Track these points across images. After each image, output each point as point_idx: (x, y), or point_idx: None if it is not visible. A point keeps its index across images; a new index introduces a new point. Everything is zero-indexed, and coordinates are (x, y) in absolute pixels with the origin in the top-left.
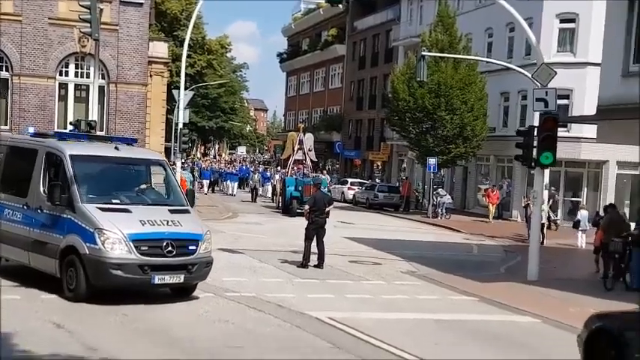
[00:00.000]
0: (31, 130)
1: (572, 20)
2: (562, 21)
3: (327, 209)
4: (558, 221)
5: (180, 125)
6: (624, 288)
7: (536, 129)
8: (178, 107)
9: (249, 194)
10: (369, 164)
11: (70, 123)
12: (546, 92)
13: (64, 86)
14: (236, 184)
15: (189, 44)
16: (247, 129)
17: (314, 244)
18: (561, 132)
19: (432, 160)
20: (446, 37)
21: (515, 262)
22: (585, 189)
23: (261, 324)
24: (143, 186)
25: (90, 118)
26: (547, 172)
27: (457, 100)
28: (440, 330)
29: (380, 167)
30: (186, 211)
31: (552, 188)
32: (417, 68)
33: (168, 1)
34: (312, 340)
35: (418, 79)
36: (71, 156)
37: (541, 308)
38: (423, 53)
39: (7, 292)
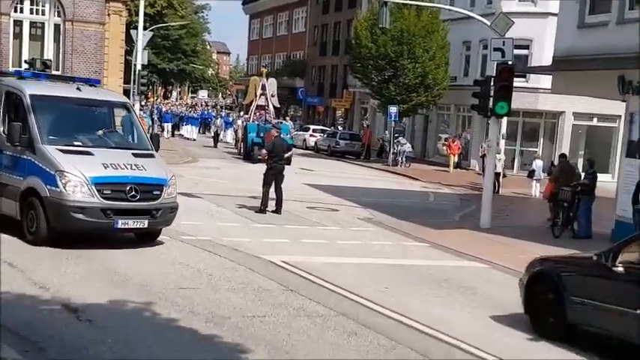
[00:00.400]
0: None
1: None
2: None
3: (285, 155)
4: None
5: (139, 67)
6: (572, 236)
7: (492, 79)
8: (137, 48)
9: (211, 139)
10: (332, 111)
11: (25, 61)
12: (503, 42)
13: (18, 23)
14: (197, 128)
15: None
16: (209, 72)
17: (272, 189)
18: (519, 82)
19: (392, 109)
20: None
21: (470, 210)
22: (542, 139)
23: (214, 267)
24: (106, 129)
25: (45, 57)
26: (504, 122)
27: (419, 48)
28: (391, 274)
29: (342, 115)
30: (151, 156)
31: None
32: (380, 14)
33: None
34: (263, 282)
35: (380, 25)
36: (31, 95)
37: (490, 254)
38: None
39: None
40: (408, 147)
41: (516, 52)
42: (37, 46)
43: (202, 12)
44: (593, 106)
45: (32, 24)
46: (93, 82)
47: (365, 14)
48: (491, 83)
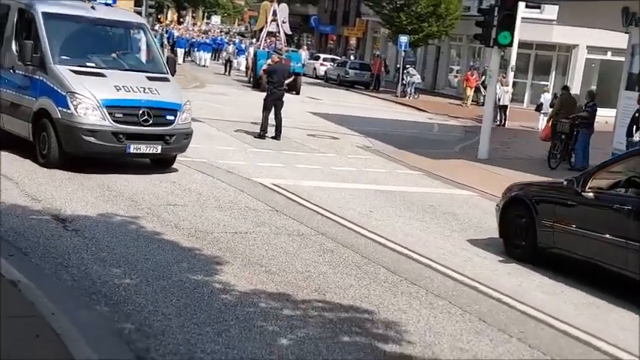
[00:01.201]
0: None
1: None
2: None
3: (286, 81)
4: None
5: None
6: (568, 168)
7: (497, 8)
8: None
9: (223, 66)
10: (345, 40)
11: None
12: None
13: None
14: (209, 54)
15: None
16: None
17: (272, 115)
18: (533, 13)
19: (403, 38)
20: None
21: (472, 141)
22: (554, 73)
23: (205, 187)
24: (121, 50)
25: None
26: (514, 54)
27: None
28: (378, 199)
29: (355, 44)
30: (166, 79)
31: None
32: None
33: None
34: (250, 202)
35: None
36: (44, 13)
37: (481, 184)
38: None
39: None
40: (417, 78)
41: None
42: None
43: None
44: (608, 39)
45: None
46: (108, 2)
47: None
48: (496, 13)
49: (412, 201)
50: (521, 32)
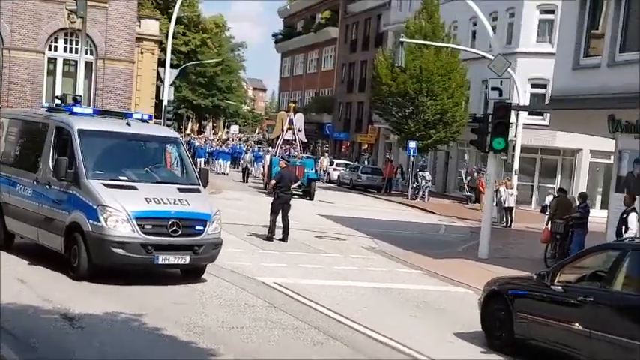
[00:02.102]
0: (46, 104)
1: (552, 12)
2: (542, 12)
3: (292, 186)
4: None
5: (165, 102)
6: None
7: (490, 116)
8: (164, 85)
9: (241, 174)
10: (358, 146)
11: (56, 97)
12: (501, 82)
13: (52, 61)
14: (228, 162)
15: (184, 22)
16: (244, 108)
17: (280, 218)
18: (537, 120)
19: (412, 144)
20: (429, 24)
21: (476, 242)
22: (559, 176)
23: (209, 286)
24: (155, 164)
25: (76, 93)
26: (517, 158)
27: (438, 86)
28: (375, 296)
29: (367, 149)
30: (197, 191)
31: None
32: (396, 54)
33: None
34: (250, 299)
35: (397, 64)
36: (79, 130)
37: (478, 281)
38: (402, 40)
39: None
40: (429, 181)
41: (533, 90)
42: (70, 83)
43: (238, 50)
44: (611, 144)
45: (65, 61)
46: (145, 119)
47: (385, 53)
48: (489, 120)
49: (407, 298)
50: (527, 138)
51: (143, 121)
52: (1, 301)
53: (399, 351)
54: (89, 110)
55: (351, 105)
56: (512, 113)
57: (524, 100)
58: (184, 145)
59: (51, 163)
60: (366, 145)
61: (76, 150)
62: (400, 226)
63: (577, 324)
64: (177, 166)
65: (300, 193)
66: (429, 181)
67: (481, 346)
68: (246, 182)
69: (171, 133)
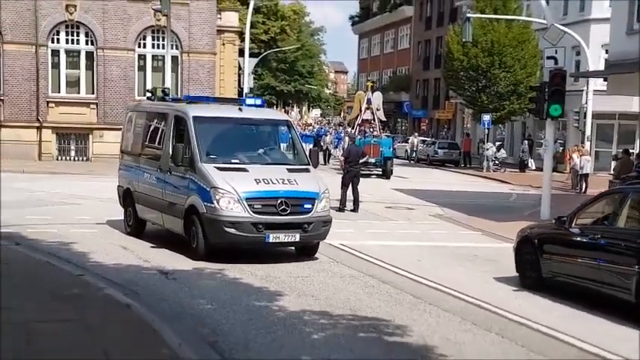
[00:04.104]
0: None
1: None
2: None
3: (360, 160)
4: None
5: (246, 90)
6: None
7: (546, 84)
8: (243, 73)
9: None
10: (436, 123)
11: (147, 90)
12: (556, 51)
13: (142, 57)
14: (311, 145)
15: (263, 12)
16: (326, 92)
17: (350, 191)
18: None
19: (486, 117)
20: None
21: None
22: (638, 140)
23: (283, 248)
24: (266, 146)
25: (164, 86)
26: (589, 124)
27: (510, 57)
28: (430, 252)
29: (445, 125)
30: (306, 170)
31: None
32: (463, 29)
33: None
34: (317, 255)
35: (464, 40)
36: (194, 117)
37: None
38: (468, 15)
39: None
40: (502, 153)
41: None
42: (159, 77)
43: (318, 34)
44: None
45: (154, 57)
46: (258, 103)
47: (456, 29)
48: (546, 89)
49: (460, 253)
50: (603, 104)
51: (255, 106)
52: (108, 263)
53: (439, 290)
54: (205, 98)
55: (428, 82)
56: (583, 80)
57: (599, 66)
58: (295, 128)
59: (170, 150)
60: (444, 121)
61: (191, 136)
62: (470, 196)
63: (589, 259)
64: (288, 148)
65: (379, 172)
66: (495, 152)
67: (515, 287)
68: (327, 163)
69: (282, 116)
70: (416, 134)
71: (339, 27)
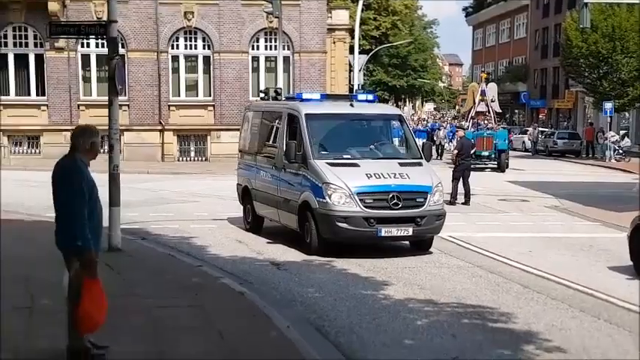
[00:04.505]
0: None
1: None
2: None
3: (472, 152)
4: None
5: (356, 87)
6: None
7: None
8: (353, 70)
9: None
10: (555, 112)
11: (260, 91)
12: None
13: (256, 59)
14: (424, 140)
15: (374, 8)
16: (440, 85)
17: (461, 184)
18: None
19: (607, 105)
20: None
21: None
22: None
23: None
24: (379, 141)
25: (277, 86)
26: None
27: (633, 42)
28: (543, 243)
29: (566, 115)
30: (418, 164)
31: None
32: (581, 15)
33: None
34: None
35: (581, 26)
36: (306, 115)
37: None
38: (586, 1)
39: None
40: (627, 141)
41: None
42: (272, 77)
43: (431, 27)
44: None
45: (267, 58)
46: (370, 98)
47: (574, 15)
48: None
49: (574, 243)
50: None
51: (367, 101)
52: (224, 256)
53: (548, 280)
54: (317, 96)
55: (546, 71)
56: None
57: None
58: (407, 122)
59: (284, 148)
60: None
61: (303, 133)
62: (590, 187)
63: None
64: (400, 142)
65: (495, 166)
66: (617, 141)
67: (629, 275)
68: (441, 158)
69: (394, 110)
70: (535, 125)
71: (453, 19)
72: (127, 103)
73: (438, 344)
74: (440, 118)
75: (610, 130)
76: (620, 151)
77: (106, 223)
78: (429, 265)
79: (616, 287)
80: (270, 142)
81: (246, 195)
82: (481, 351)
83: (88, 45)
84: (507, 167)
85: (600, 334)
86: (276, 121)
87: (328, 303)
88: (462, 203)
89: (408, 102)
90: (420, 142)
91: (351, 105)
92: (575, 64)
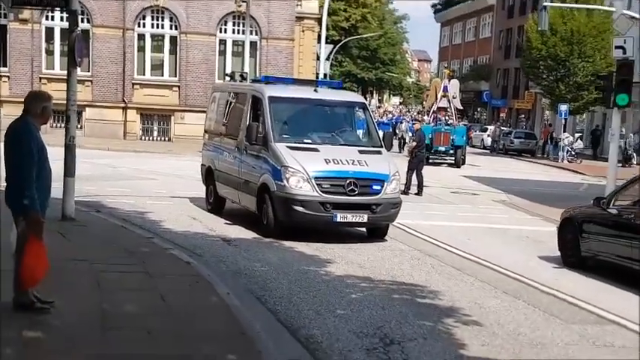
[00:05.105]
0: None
1: None
2: None
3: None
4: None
5: (321, 76)
6: None
7: (614, 74)
8: (319, 59)
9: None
10: (515, 112)
11: (226, 74)
12: (624, 40)
13: (223, 42)
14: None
15: None
16: (408, 80)
17: (415, 175)
18: None
19: (562, 107)
20: None
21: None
22: None
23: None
24: (340, 127)
25: (243, 70)
26: None
27: (590, 47)
28: (483, 233)
29: (524, 115)
30: (377, 152)
31: None
32: (539, 18)
33: None
34: None
35: (540, 28)
36: (270, 97)
37: None
38: (545, 4)
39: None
40: (579, 143)
41: None
42: (238, 61)
43: (401, 22)
44: None
45: (234, 42)
46: (336, 85)
47: (535, 17)
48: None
49: (512, 234)
50: None
51: (332, 87)
52: (177, 230)
53: (480, 264)
54: (282, 80)
55: (508, 71)
56: None
57: None
58: (370, 110)
59: (246, 130)
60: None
61: (265, 115)
62: (540, 184)
63: (624, 238)
64: (362, 130)
65: (452, 161)
66: (571, 143)
67: (556, 264)
68: (402, 151)
69: (357, 98)
70: (498, 123)
71: (424, 16)
72: (91, 79)
73: (367, 315)
74: (406, 112)
75: (565, 131)
76: (573, 153)
77: (60, 193)
78: (373, 247)
79: (541, 274)
80: (234, 124)
81: (209, 176)
82: (406, 322)
83: (53, 18)
84: (464, 163)
85: (517, 312)
86: (241, 103)
87: (271, 276)
88: (415, 194)
89: (375, 94)
90: (381, 132)
91: (315, 90)
92: (534, 65)
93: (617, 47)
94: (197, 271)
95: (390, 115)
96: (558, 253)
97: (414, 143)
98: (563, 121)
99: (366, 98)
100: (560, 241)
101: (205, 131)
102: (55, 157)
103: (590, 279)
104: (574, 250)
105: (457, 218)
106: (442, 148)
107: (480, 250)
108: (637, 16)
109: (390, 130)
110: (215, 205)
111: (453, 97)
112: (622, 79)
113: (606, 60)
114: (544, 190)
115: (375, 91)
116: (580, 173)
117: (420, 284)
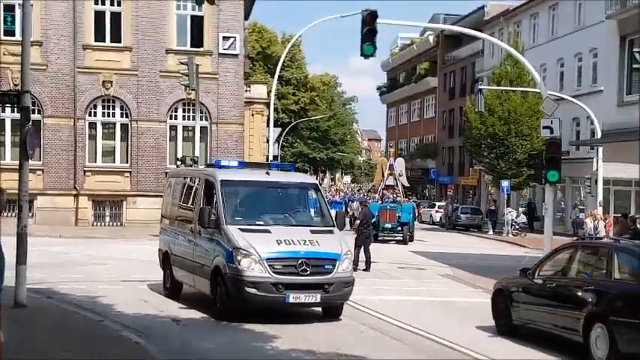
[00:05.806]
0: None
1: None
2: None
3: (371, 222)
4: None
5: (271, 158)
6: None
7: (544, 152)
8: (269, 142)
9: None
10: (462, 189)
11: (177, 159)
12: (551, 121)
13: (174, 128)
14: (339, 210)
15: (292, 83)
16: (359, 159)
17: (362, 252)
18: None
19: (504, 183)
20: (515, 69)
21: None
22: (633, 205)
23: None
24: (292, 209)
25: (194, 155)
26: (600, 191)
27: (527, 126)
28: (425, 305)
29: (470, 191)
30: (330, 232)
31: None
32: (476, 100)
33: (274, 45)
34: (317, 308)
35: (477, 109)
36: (221, 181)
37: None
38: (480, 87)
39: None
40: (522, 218)
41: None
42: (189, 146)
43: (350, 104)
44: None
45: (184, 128)
46: (288, 168)
47: (472, 99)
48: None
49: (454, 306)
50: (619, 171)
51: (284, 169)
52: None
53: (420, 335)
54: (235, 163)
55: (453, 149)
56: (593, 148)
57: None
58: (322, 191)
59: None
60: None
61: (217, 199)
62: (484, 258)
63: (548, 306)
64: (315, 210)
65: (400, 238)
66: (514, 217)
67: (491, 333)
68: (352, 229)
69: (309, 179)
70: (449, 200)
71: (372, 96)
72: (42, 167)
73: None
74: (357, 191)
75: (508, 206)
76: (517, 227)
77: (13, 281)
78: (316, 321)
79: (477, 343)
80: (188, 208)
81: (166, 260)
82: None
83: (4, 110)
84: (412, 240)
85: None
86: (195, 187)
87: (218, 353)
88: (363, 270)
89: (327, 173)
90: (334, 212)
91: (267, 173)
92: (475, 144)
93: (544, 127)
94: (145, 350)
95: (342, 194)
96: (494, 323)
97: (358, 221)
98: (506, 196)
99: (317, 177)
100: (494, 310)
101: (162, 216)
102: (7, 245)
103: (521, 346)
104: (506, 319)
105: (402, 292)
106: (388, 225)
107: (422, 321)
108: (562, 96)
109: (343, 209)
110: (172, 289)
111: (400, 175)
112: (551, 157)
113: (542, 138)
114: (488, 263)
115: (327, 170)
116: (523, 246)
117: (359, 355)
